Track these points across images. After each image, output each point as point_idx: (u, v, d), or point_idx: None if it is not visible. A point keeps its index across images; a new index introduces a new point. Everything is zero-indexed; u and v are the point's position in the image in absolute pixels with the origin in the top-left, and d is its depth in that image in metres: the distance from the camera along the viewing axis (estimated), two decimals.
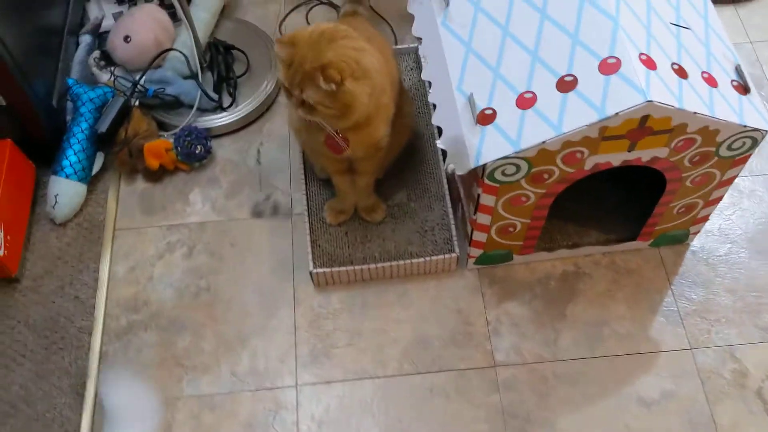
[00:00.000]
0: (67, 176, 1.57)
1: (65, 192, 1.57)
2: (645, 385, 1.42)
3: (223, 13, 1.87)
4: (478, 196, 1.31)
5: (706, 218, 1.48)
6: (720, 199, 1.42)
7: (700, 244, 1.57)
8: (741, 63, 1.30)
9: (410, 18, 1.90)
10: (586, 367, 1.44)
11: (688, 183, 1.34)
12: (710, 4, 1.38)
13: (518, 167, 1.24)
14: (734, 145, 1.26)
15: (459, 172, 1.24)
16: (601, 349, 1.45)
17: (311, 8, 1.95)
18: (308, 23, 1.93)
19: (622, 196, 1.55)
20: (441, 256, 1.50)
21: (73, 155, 1.57)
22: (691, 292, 1.52)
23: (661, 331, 1.47)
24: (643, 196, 1.49)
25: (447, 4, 1.39)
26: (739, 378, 1.42)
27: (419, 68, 1.78)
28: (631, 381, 1.42)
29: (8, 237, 1.49)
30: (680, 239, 1.54)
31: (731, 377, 1.42)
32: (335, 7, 1.94)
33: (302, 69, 1.19)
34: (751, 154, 1.29)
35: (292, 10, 1.95)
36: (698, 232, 1.53)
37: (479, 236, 1.44)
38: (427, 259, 1.50)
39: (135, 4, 1.84)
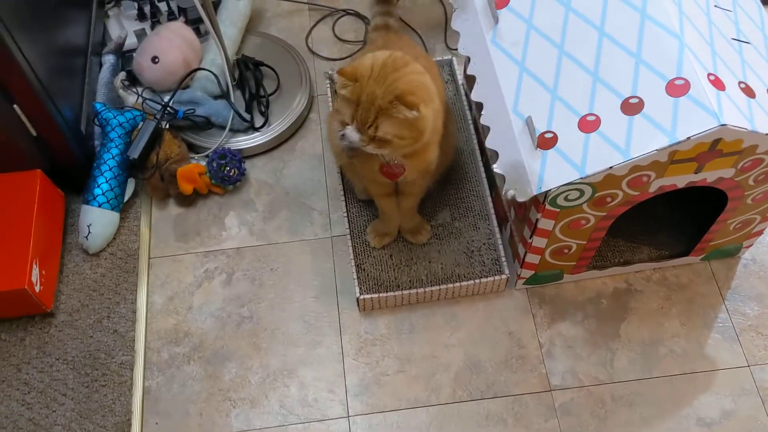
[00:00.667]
0: (99, 205, 1.51)
1: (98, 221, 1.51)
2: (704, 405, 1.39)
3: (247, 27, 1.82)
4: (537, 220, 1.27)
5: (760, 232, 1.45)
6: None
7: (750, 256, 1.54)
8: None
9: (440, 28, 1.87)
10: (644, 389, 1.41)
11: (748, 200, 1.31)
12: (766, 16, 1.34)
13: (582, 192, 1.20)
14: None
15: (520, 199, 1.20)
16: (658, 368, 1.42)
17: (337, 19, 1.90)
18: (335, 34, 1.87)
19: (673, 211, 1.52)
20: (491, 278, 1.46)
21: (104, 183, 1.52)
22: (746, 307, 1.49)
23: (717, 348, 1.45)
24: (695, 210, 1.46)
25: (496, 21, 1.34)
26: None
27: (454, 81, 1.74)
28: (689, 401, 1.40)
29: (43, 272, 1.44)
30: (732, 253, 1.51)
31: None
32: (362, 17, 1.89)
33: (375, 106, 1.14)
34: None
35: (319, 21, 1.89)
36: (751, 245, 1.51)
37: (532, 258, 1.40)
38: (477, 281, 1.46)
39: (158, 21, 1.78)
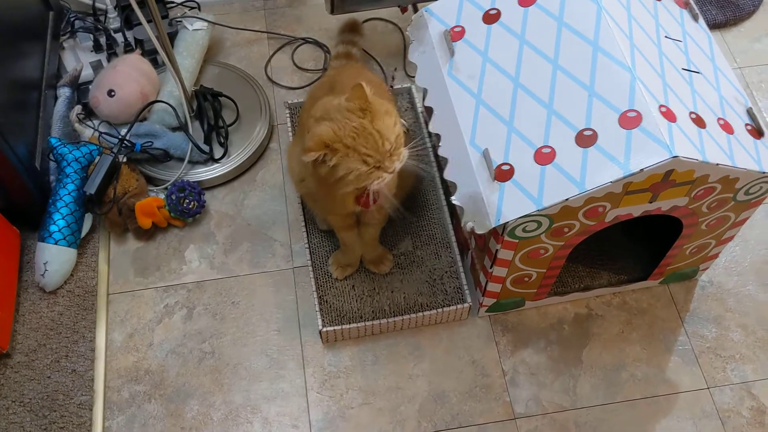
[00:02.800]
0: (55, 242, 1.49)
1: (55, 259, 1.49)
2: (666, 430, 1.40)
3: (206, 57, 1.81)
4: (496, 251, 1.28)
5: (716, 255, 1.48)
6: (732, 238, 1.41)
7: (708, 279, 1.56)
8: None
9: (399, 56, 1.88)
10: (607, 414, 1.42)
11: (703, 226, 1.33)
12: (716, 45, 1.37)
13: (539, 223, 1.21)
14: (751, 190, 1.25)
15: (479, 231, 1.20)
16: (620, 394, 1.44)
17: (297, 48, 1.90)
18: (294, 63, 1.87)
19: (630, 236, 1.54)
20: (453, 307, 1.46)
21: (60, 219, 1.49)
22: (704, 329, 1.51)
23: (678, 372, 1.46)
24: (651, 234, 1.48)
25: (452, 54, 1.35)
26: (758, 416, 1.42)
27: (413, 109, 1.75)
28: (652, 426, 1.41)
29: None
30: (690, 276, 1.54)
31: (750, 415, 1.42)
32: (321, 45, 1.89)
33: (373, 130, 1.14)
34: (766, 197, 1.28)
35: (278, 50, 1.89)
36: (707, 268, 1.53)
37: (493, 287, 1.41)
38: (440, 310, 1.46)
39: (114, 53, 1.76)
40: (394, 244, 1.57)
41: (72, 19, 1.78)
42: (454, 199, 1.26)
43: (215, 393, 1.44)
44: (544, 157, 1.19)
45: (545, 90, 1.23)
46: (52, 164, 1.57)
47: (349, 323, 1.46)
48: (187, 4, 1.88)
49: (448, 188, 1.55)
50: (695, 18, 1.40)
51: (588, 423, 1.41)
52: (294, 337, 1.50)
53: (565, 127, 1.19)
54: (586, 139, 1.17)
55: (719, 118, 1.23)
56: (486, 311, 1.50)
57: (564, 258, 1.34)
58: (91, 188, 1.51)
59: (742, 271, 1.58)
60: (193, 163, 1.65)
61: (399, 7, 1.79)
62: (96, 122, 1.65)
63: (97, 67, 1.73)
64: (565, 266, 1.50)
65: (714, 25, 1.94)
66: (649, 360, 1.47)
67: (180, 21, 1.78)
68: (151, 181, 1.65)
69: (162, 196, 1.60)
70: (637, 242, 1.53)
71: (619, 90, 1.17)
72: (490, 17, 1.35)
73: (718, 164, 1.14)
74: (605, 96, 1.18)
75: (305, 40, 1.90)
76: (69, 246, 1.51)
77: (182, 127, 1.64)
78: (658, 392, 1.44)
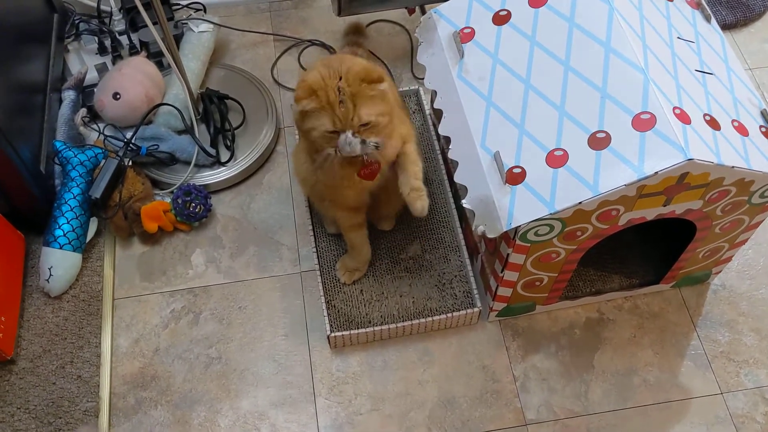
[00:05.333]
0: (60, 247, 1.47)
1: (60, 264, 1.47)
2: None
3: (212, 59, 1.79)
4: (508, 255, 1.26)
5: (729, 259, 1.46)
6: (745, 241, 1.39)
7: (720, 282, 1.55)
8: None
9: (406, 58, 1.87)
10: (619, 420, 1.40)
11: (716, 230, 1.32)
12: (728, 45, 1.35)
13: (552, 227, 1.19)
14: (766, 193, 1.23)
15: (490, 235, 1.19)
16: (633, 399, 1.42)
17: (303, 50, 1.88)
18: (300, 65, 1.86)
19: (643, 239, 1.52)
20: (463, 312, 1.45)
21: (65, 224, 1.48)
22: (717, 333, 1.49)
23: (690, 377, 1.44)
24: (664, 238, 1.46)
25: (462, 56, 1.33)
26: None
27: (421, 111, 1.73)
28: None
29: (2, 318, 1.39)
30: (702, 279, 1.52)
31: (765, 421, 1.40)
32: (327, 48, 1.87)
33: (348, 96, 1.15)
34: None
35: (284, 52, 1.87)
36: (720, 271, 1.51)
37: (504, 291, 1.39)
38: (449, 315, 1.44)
39: (119, 55, 1.74)
40: (403, 248, 1.55)
41: (76, 22, 1.77)
42: (465, 203, 1.24)
43: (222, 399, 1.42)
44: (557, 159, 1.17)
45: (557, 92, 1.22)
46: (57, 168, 1.56)
47: (358, 328, 1.45)
48: (193, 6, 1.87)
49: (458, 191, 1.54)
50: (707, 19, 1.38)
51: (600, 429, 1.39)
52: (302, 343, 1.48)
53: (578, 130, 1.17)
54: (599, 141, 1.15)
55: (733, 120, 1.21)
56: (496, 316, 1.49)
57: (576, 262, 1.32)
58: (97, 192, 1.50)
59: (756, 275, 1.56)
60: (200, 166, 1.63)
61: (406, 8, 1.77)
62: (101, 125, 1.63)
63: (102, 69, 1.72)
64: (577, 270, 1.48)
65: (724, 26, 1.92)
66: (661, 365, 1.45)
67: (185, 23, 1.76)
68: (156, 184, 1.63)
69: (168, 199, 1.58)
70: (649, 245, 1.51)
71: (632, 91, 1.16)
72: (501, 18, 1.33)
73: (733, 167, 1.13)
74: (618, 98, 1.16)
75: (312, 42, 1.88)
76: (74, 250, 1.49)
77: (188, 130, 1.62)
78: (671, 398, 1.42)
